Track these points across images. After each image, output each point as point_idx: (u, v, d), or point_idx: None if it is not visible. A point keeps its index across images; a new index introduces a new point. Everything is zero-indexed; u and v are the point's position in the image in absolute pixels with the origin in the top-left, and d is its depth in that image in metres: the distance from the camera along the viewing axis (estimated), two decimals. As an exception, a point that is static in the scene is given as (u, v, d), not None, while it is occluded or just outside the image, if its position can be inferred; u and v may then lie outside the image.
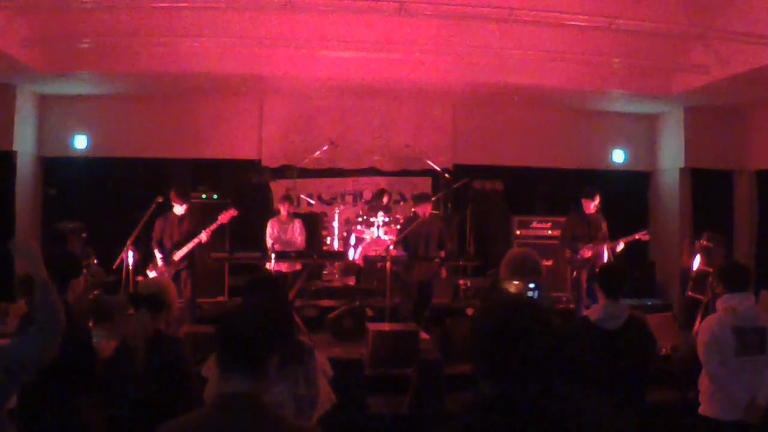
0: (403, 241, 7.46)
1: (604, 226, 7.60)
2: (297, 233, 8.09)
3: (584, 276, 7.44)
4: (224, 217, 7.28)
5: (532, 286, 2.81)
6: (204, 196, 9.14)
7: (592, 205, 7.55)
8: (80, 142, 9.63)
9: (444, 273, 7.93)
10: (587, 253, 7.47)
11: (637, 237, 7.62)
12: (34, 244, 2.57)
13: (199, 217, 7.45)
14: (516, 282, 2.89)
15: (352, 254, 9.02)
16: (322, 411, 2.71)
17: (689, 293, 7.74)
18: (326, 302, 8.25)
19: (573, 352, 3.51)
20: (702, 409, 3.82)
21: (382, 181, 10.13)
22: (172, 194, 7.19)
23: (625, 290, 3.77)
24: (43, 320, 2.45)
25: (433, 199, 8.61)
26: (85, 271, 6.60)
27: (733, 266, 4.13)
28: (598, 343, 3.63)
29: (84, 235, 8.53)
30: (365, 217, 9.18)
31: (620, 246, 7.43)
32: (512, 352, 1.73)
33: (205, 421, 1.88)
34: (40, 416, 3.13)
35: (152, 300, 3.23)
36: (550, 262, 8.91)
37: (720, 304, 3.85)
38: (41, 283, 2.48)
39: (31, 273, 2.51)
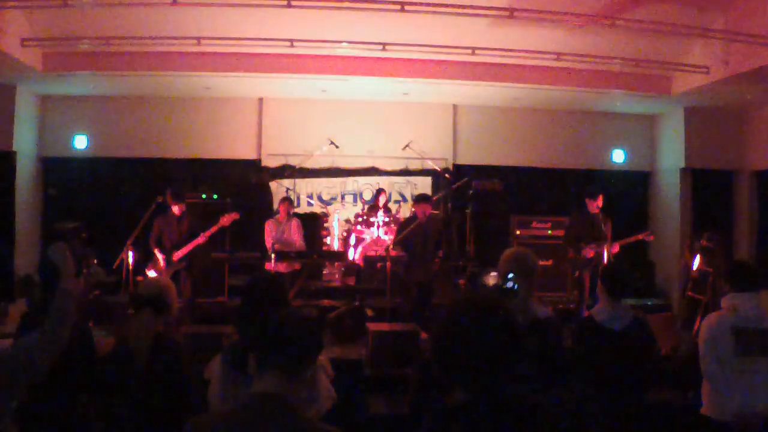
0: (402, 241, 7.45)
1: (608, 225, 7.58)
2: (294, 232, 8.09)
3: (587, 276, 7.43)
4: (226, 220, 7.24)
5: (510, 276, 2.77)
6: (204, 196, 9.13)
7: (594, 205, 7.54)
8: (80, 142, 9.65)
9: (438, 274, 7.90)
10: (590, 254, 7.45)
11: (641, 237, 7.62)
12: (65, 248, 2.58)
13: (199, 217, 7.44)
14: (494, 274, 2.85)
15: (352, 254, 9.01)
16: (323, 410, 2.69)
17: (689, 293, 7.72)
18: (326, 302, 8.24)
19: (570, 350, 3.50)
20: (704, 409, 3.78)
21: (382, 181, 10.13)
22: (168, 195, 7.16)
23: (628, 291, 3.75)
24: (56, 327, 2.45)
25: (432, 199, 8.61)
26: (85, 271, 6.63)
27: (740, 265, 4.03)
28: (603, 344, 3.63)
29: (84, 235, 8.50)
30: (365, 217, 9.16)
31: (615, 248, 7.43)
32: (483, 358, 1.72)
33: (236, 417, 1.90)
34: (41, 416, 3.13)
35: (155, 301, 3.21)
36: (550, 262, 8.90)
37: (723, 302, 3.80)
38: (62, 290, 2.50)
39: (60, 277, 2.52)
